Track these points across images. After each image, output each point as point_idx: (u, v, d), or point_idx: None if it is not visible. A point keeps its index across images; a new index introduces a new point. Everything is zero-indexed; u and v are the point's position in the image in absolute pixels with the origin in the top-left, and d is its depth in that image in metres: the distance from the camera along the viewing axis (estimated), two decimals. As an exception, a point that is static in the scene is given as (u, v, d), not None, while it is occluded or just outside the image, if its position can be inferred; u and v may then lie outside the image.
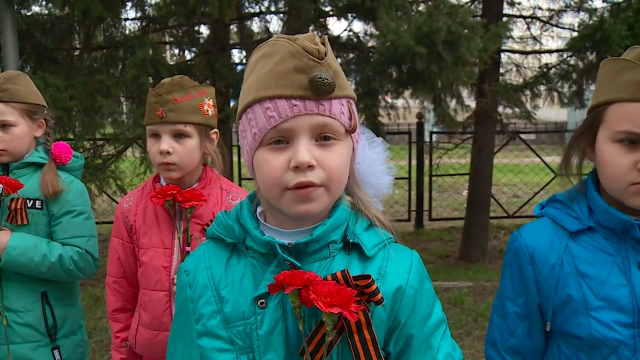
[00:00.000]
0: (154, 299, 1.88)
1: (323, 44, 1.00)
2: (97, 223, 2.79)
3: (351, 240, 1.05)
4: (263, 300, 1.02)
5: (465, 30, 4.16)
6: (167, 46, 6.24)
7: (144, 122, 1.90)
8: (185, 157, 1.84)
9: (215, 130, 1.95)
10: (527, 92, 6.15)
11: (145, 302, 1.91)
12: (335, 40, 5.51)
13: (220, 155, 1.97)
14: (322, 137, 1.00)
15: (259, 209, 1.12)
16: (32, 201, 2.03)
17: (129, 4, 5.51)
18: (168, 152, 1.81)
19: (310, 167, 0.97)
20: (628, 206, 1.27)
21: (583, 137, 1.35)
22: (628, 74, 1.21)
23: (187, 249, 1.84)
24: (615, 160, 1.24)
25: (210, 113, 1.88)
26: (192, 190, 1.83)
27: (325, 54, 0.99)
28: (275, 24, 9.64)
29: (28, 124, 2.05)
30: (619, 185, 1.25)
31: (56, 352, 2.07)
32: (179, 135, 1.83)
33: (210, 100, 1.90)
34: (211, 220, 1.80)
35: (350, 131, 1.03)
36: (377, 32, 4.99)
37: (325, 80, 0.97)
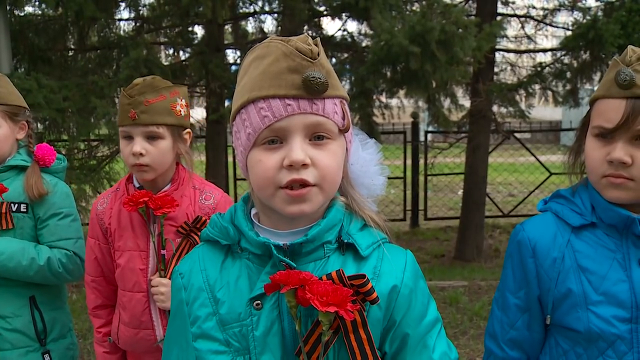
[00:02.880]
0: (133, 300, 1.90)
1: (316, 44, 1.01)
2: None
3: (346, 241, 1.05)
4: (259, 302, 1.02)
5: (459, 30, 4.16)
6: (161, 46, 6.22)
7: (117, 123, 1.90)
8: (158, 159, 1.84)
9: (188, 130, 1.95)
10: (522, 91, 6.16)
11: (124, 302, 1.93)
12: (329, 40, 5.50)
13: (192, 155, 1.97)
14: (316, 137, 1.00)
15: (253, 211, 1.12)
16: (16, 205, 1.99)
17: (123, 5, 5.48)
18: (141, 154, 1.82)
19: (305, 165, 0.97)
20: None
21: (582, 135, 1.40)
22: (610, 73, 1.29)
23: (162, 252, 1.85)
24: (592, 153, 1.32)
25: (182, 113, 1.88)
26: (164, 197, 1.83)
27: (318, 54, 0.99)
28: (269, 24, 9.67)
29: (10, 126, 2.01)
30: (594, 178, 1.32)
31: (47, 357, 2.05)
32: (151, 137, 1.83)
33: (183, 100, 1.90)
34: (185, 222, 1.82)
35: (343, 131, 1.04)
36: (371, 32, 4.99)
37: (319, 80, 0.97)
